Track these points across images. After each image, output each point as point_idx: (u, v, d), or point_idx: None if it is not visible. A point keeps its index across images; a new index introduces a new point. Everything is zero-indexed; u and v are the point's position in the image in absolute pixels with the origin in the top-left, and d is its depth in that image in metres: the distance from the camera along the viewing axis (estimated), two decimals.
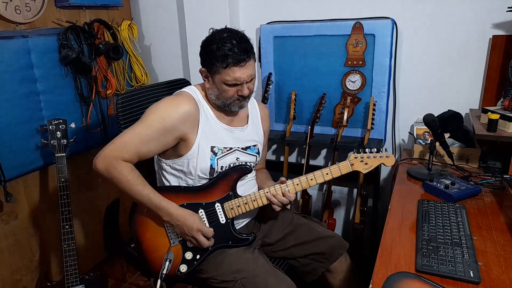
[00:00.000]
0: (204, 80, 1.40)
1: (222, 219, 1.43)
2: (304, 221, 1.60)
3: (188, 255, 1.41)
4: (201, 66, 1.39)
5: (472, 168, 1.73)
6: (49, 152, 1.91)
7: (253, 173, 1.56)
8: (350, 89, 2.09)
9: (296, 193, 1.46)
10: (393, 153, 2.17)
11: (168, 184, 1.48)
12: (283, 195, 1.41)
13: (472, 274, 1.01)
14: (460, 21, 1.87)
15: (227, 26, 1.37)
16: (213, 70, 1.32)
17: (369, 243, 2.21)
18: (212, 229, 1.37)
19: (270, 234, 1.58)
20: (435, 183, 1.51)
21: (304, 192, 2.24)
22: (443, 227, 1.22)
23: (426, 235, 1.19)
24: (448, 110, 1.66)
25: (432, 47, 1.95)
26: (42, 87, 1.92)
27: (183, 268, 1.40)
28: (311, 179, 1.41)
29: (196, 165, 1.39)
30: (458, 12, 1.86)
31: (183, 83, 1.79)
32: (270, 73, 2.22)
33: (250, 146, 1.51)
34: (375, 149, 1.43)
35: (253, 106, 1.57)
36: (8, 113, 1.78)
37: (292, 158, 2.45)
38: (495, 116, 1.57)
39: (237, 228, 1.47)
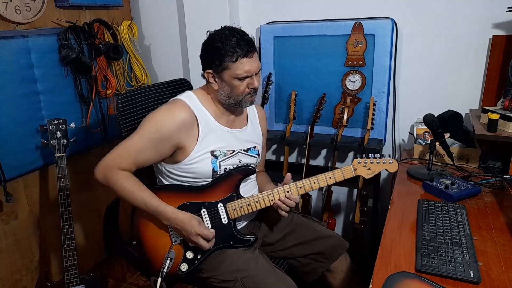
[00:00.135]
0: (210, 82, 1.38)
1: (224, 220, 1.43)
2: (304, 221, 1.60)
3: (189, 254, 1.41)
4: (203, 70, 1.39)
5: (472, 168, 1.73)
6: (49, 152, 1.91)
7: (255, 174, 1.56)
8: (350, 89, 2.09)
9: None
10: (393, 153, 2.17)
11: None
12: (289, 199, 1.41)
13: (472, 274, 1.01)
14: (460, 21, 1.87)
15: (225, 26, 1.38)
16: (222, 67, 1.32)
17: (369, 243, 2.21)
18: (213, 231, 1.37)
19: (270, 234, 1.58)
20: (435, 183, 1.51)
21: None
22: (443, 227, 1.22)
23: (426, 235, 1.19)
24: (448, 110, 1.66)
25: (432, 47, 1.95)
26: (42, 87, 1.92)
27: (184, 267, 1.40)
28: (314, 183, 1.41)
29: (196, 170, 1.40)
30: (458, 12, 1.86)
31: (183, 83, 1.79)
32: (270, 73, 2.22)
33: (250, 148, 1.51)
34: (379, 154, 1.42)
35: (251, 108, 1.58)
36: (8, 113, 1.78)
37: (292, 158, 2.45)
38: (495, 116, 1.57)
39: (238, 228, 1.47)
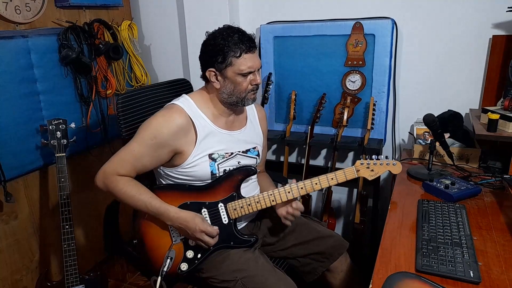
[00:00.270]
0: (212, 82, 1.38)
1: (225, 220, 1.43)
2: (304, 221, 1.60)
3: (189, 254, 1.41)
4: (203, 71, 1.39)
5: (472, 168, 1.73)
6: (49, 152, 1.91)
7: (256, 175, 1.56)
8: (350, 89, 2.09)
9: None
10: (393, 153, 2.17)
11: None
12: (297, 209, 1.44)
13: (472, 274, 1.01)
14: (460, 21, 1.87)
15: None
16: (225, 64, 1.32)
17: (369, 243, 2.21)
18: (216, 228, 1.37)
19: (270, 234, 1.58)
20: (435, 183, 1.51)
21: None
22: (443, 227, 1.22)
23: (426, 235, 1.19)
24: (448, 110, 1.66)
25: (432, 47, 1.95)
26: (42, 87, 1.92)
27: (184, 266, 1.40)
28: (316, 184, 1.40)
29: (194, 173, 1.40)
30: (458, 12, 1.86)
31: (183, 83, 1.79)
32: (270, 73, 2.22)
33: (250, 149, 1.50)
34: (382, 155, 1.41)
35: (250, 108, 1.57)
36: (8, 113, 1.78)
37: (292, 158, 2.45)
38: (495, 116, 1.57)
39: (238, 228, 1.47)
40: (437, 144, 1.67)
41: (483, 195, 1.50)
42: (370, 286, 1.01)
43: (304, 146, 2.15)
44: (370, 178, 1.41)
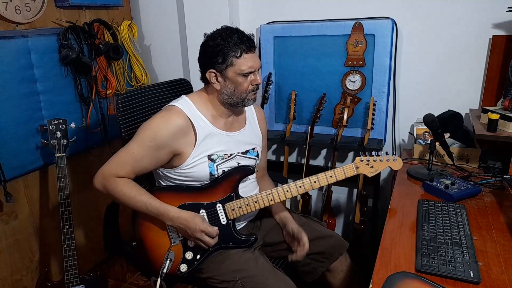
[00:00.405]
0: (212, 83, 1.37)
1: (223, 220, 1.43)
2: (304, 221, 1.60)
3: (189, 255, 1.41)
4: (203, 72, 1.38)
5: (472, 168, 1.73)
6: (49, 152, 1.91)
7: (255, 174, 1.56)
8: (350, 89, 2.09)
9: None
10: (393, 153, 2.17)
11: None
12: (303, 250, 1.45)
13: (472, 274, 1.01)
14: (460, 21, 1.87)
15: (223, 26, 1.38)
16: (226, 64, 1.32)
17: (369, 243, 2.21)
18: (216, 228, 1.37)
19: (270, 234, 1.58)
20: (435, 183, 1.51)
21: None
22: (443, 227, 1.22)
23: (426, 235, 1.19)
24: (448, 110, 1.66)
25: (432, 47, 1.95)
26: (42, 87, 1.92)
27: (183, 267, 1.40)
28: (315, 182, 1.39)
29: (193, 174, 1.40)
30: (458, 12, 1.86)
31: (183, 83, 1.79)
32: (270, 73, 2.22)
33: (249, 150, 1.50)
34: (381, 152, 1.40)
35: (249, 109, 1.57)
36: (8, 113, 1.78)
37: (292, 158, 2.45)
38: (495, 116, 1.57)
39: (237, 229, 1.47)
40: (437, 144, 1.67)
41: (483, 195, 1.50)
42: (370, 286, 1.01)
43: (304, 146, 2.15)
44: (370, 175, 1.40)
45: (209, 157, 1.40)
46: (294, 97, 2.18)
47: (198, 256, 1.41)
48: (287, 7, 2.18)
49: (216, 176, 1.41)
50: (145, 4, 2.52)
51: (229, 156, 1.44)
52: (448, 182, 1.50)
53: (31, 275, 2.02)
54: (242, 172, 1.44)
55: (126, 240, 1.63)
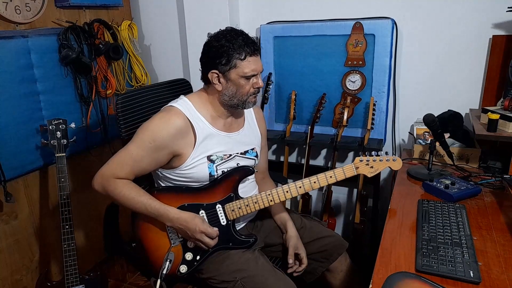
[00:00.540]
0: (213, 84, 1.36)
1: (223, 221, 1.43)
2: (302, 224, 1.59)
3: (188, 256, 1.40)
4: (206, 72, 1.37)
5: (472, 168, 1.73)
6: (49, 152, 1.91)
7: (253, 174, 1.56)
8: (350, 89, 2.09)
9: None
10: (393, 153, 2.17)
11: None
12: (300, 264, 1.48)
13: (472, 274, 1.01)
14: (460, 21, 1.87)
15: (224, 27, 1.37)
16: (229, 66, 1.31)
17: (369, 243, 2.21)
18: (216, 229, 1.37)
19: (270, 235, 1.58)
20: (435, 183, 1.51)
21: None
22: (443, 227, 1.22)
23: (426, 235, 1.19)
24: (448, 110, 1.66)
25: (432, 47, 1.95)
26: (42, 87, 1.92)
27: (183, 268, 1.40)
28: (314, 182, 1.39)
29: (192, 175, 1.39)
30: (458, 12, 1.86)
31: (183, 83, 1.79)
32: (270, 73, 2.22)
33: (248, 150, 1.50)
34: (381, 152, 1.40)
35: (248, 109, 1.57)
36: (8, 113, 1.78)
37: (292, 158, 2.45)
38: (495, 116, 1.57)
39: (237, 229, 1.47)
40: (437, 144, 1.67)
41: (483, 195, 1.50)
42: (370, 286, 1.01)
43: (304, 146, 2.15)
44: (369, 175, 1.40)
45: (208, 158, 1.39)
46: (294, 97, 2.18)
47: (198, 257, 1.41)
48: (287, 7, 2.18)
49: (215, 176, 1.41)
50: (145, 4, 2.52)
51: (228, 157, 1.44)
52: (448, 182, 1.50)
53: (31, 275, 2.02)
54: (241, 172, 1.44)
55: (126, 240, 1.63)
